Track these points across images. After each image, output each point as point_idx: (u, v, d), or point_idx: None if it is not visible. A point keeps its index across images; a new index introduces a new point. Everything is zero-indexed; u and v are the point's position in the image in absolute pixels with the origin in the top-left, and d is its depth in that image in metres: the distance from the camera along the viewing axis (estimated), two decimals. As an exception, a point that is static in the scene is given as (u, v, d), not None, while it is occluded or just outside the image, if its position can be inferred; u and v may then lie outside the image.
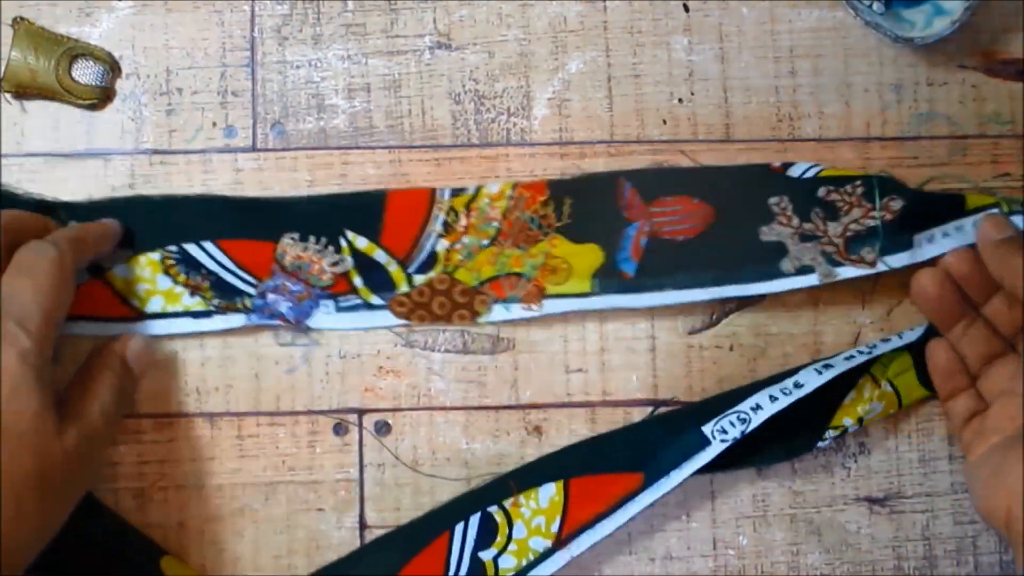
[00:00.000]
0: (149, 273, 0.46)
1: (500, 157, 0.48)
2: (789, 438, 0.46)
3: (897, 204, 0.46)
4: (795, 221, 0.46)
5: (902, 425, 0.48)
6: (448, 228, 0.47)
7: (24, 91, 0.47)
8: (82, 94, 0.47)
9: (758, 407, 0.45)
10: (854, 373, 0.46)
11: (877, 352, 0.46)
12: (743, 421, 0.44)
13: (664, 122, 0.48)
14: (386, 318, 0.47)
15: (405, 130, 0.48)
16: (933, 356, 0.46)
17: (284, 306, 0.46)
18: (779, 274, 0.46)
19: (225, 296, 0.46)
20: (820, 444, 0.46)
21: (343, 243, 0.47)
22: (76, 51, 0.47)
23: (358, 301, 0.47)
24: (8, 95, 0.47)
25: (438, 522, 0.46)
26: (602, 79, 0.48)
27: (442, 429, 0.48)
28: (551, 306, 0.46)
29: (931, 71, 0.48)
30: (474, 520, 0.45)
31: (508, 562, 0.45)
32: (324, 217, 0.47)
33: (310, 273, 0.46)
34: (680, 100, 0.48)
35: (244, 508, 0.47)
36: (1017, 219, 0.45)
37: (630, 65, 0.48)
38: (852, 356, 0.46)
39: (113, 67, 0.48)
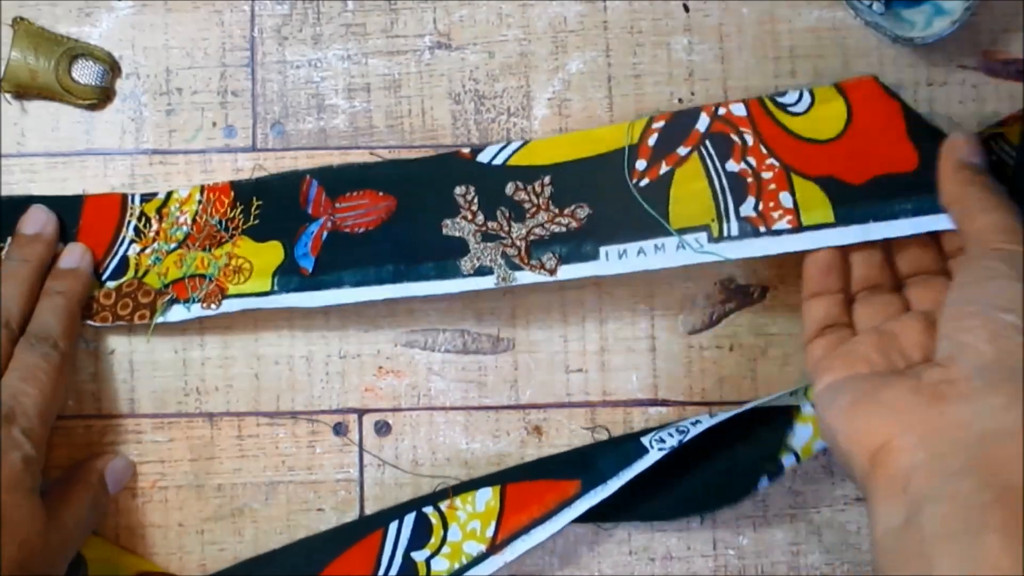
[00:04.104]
0: None
1: (500, 157, 0.48)
2: (730, 477, 0.45)
3: (583, 212, 0.45)
4: (480, 218, 0.45)
5: (902, 425, 0.48)
6: (140, 234, 0.47)
7: (24, 91, 0.47)
8: (82, 94, 0.47)
9: (697, 421, 0.45)
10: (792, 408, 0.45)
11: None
12: (681, 432, 0.44)
13: (664, 122, 0.48)
14: None
15: (405, 130, 0.48)
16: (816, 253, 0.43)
17: None
18: (458, 273, 0.45)
19: None
20: (762, 484, 0.45)
21: None
22: (76, 51, 0.47)
23: None
24: (8, 95, 0.47)
25: (372, 521, 0.46)
26: (602, 79, 0.48)
27: (442, 429, 0.48)
28: (229, 305, 0.46)
29: (931, 71, 0.48)
30: (409, 519, 0.45)
31: (441, 564, 0.44)
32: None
33: None
34: (680, 100, 0.48)
35: (244, 508, 0.47)
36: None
37: (630, 65, 0.48)
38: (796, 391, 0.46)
39: (113, 67, 0.48)
